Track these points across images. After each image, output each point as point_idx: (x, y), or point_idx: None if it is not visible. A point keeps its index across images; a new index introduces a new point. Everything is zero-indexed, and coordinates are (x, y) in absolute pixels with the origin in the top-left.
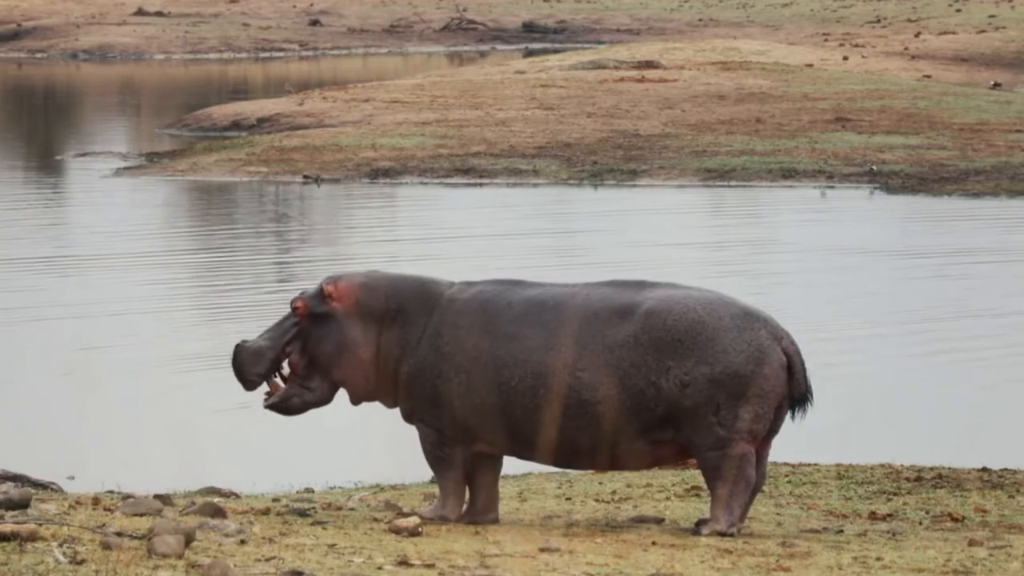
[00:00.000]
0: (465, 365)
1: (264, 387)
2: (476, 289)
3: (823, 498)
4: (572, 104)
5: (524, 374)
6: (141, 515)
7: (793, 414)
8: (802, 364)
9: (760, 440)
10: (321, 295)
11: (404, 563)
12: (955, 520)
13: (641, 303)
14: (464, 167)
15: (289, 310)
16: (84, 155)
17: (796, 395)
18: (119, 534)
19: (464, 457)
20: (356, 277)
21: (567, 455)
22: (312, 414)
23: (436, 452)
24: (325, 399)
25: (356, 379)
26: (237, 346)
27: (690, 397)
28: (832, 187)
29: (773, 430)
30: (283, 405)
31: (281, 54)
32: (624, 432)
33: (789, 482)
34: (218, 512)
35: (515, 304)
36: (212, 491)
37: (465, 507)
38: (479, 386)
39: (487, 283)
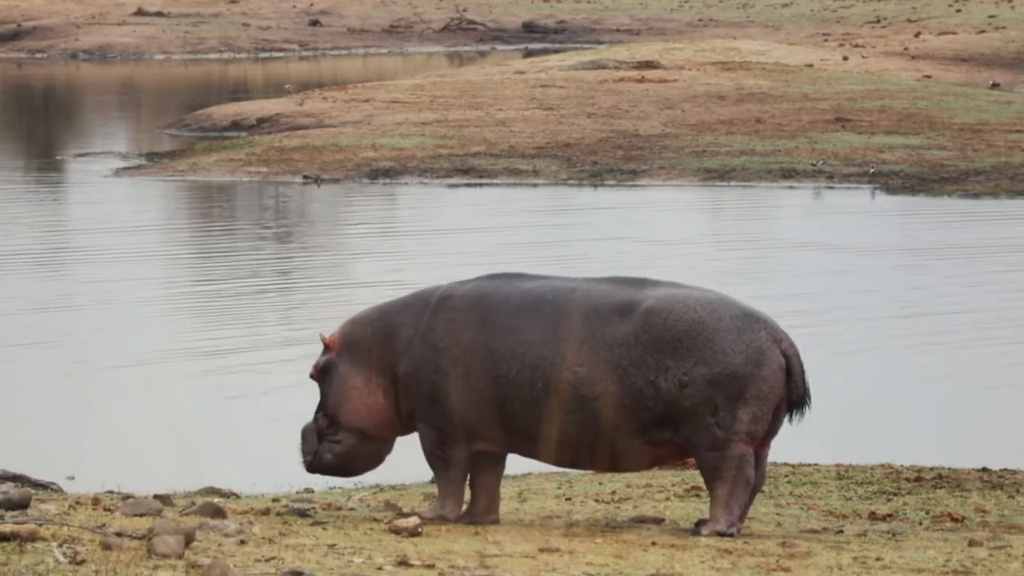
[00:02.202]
0: (462, 358)
1: None
2: (471, 285)
3: (823, 498)
4: (572, 104)
5: (522, 367)
6: (141, 515)
7: (791, 417)
8: (801, 367)
9: (759, 441)
10: (324, 349)
11: (404, 563)
12: (955, 520)
13: (642, 301)
14: (464, 167)
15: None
16: (84, 155)
17: (794, 398)
18: (119, 534)
19: (464, 457)
20: (346, 319)
21: (565, 452)
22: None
23: (436, 451)
24: (359, 449)
25: (358, 411)
26: None
27: (688, 397)
28: (832, 187)
29: (771, 432)
30: (318, 463)
31: (281, 54)
32: (622, 431)
33: (789, 482)
34: (218, 512)
35: (512, 298)
36: (212, 491)
37: (465, 507)
38: (477, 379)
39: (482, 279)
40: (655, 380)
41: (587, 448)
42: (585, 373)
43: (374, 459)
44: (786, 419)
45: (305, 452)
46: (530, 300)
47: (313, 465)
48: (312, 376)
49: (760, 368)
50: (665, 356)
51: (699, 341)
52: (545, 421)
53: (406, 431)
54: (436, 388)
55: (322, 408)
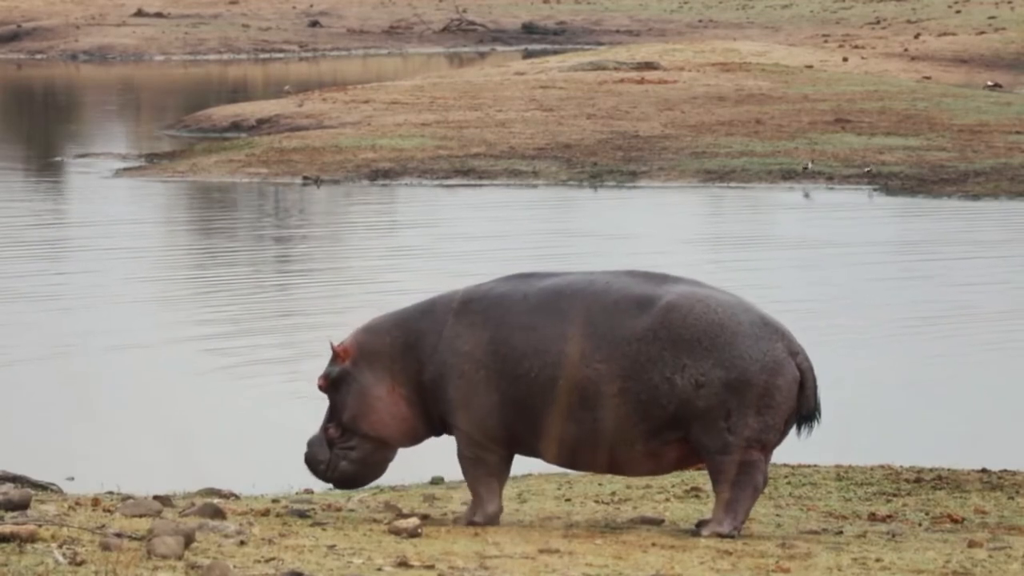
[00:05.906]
0: (485, 361)
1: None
2: (489, 286)
3: (823, 499)
4: (572, 105)
5: (544, 364)
6: (141, 516)
7: (799, 430)
8: (814, 381)
9: (768, 450)
10: (334, 359)
11: (404, 564)
12: (955, 521)
13: (662, 296)
14: (464, 168)
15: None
16: (84, 156)
17: (804, 412)
18: (119, 535)
19: (497, 459)
20: (359, 328)
21: (575, 451)
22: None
23: (469, 454)
24: (373, 456)
25: (383, 420)
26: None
27: (703, 398)
28: (832, 188)
29: (777, 441)
30: (336, 475)
31: (281, 55)
32: (638, 429)
33: (789, 483)
34: (218, 513)
35: (531, 296)
36: (211, 492)
37: (466, 509)
38: (500, 380)
39: (499, 280)
40: (671, 377)
41: (598, 448)
42: (605, 369)
43: (384, 466)
44: (794, 431)
45: (318, 462)
46: (548, 296)
47: (328, 474)
48: (321, 387)
49: (775, 378)
50: (682, 354)
51: (718, 343)
52: (562, 419)
53: (427, 438)
54: (464, 392)
55: (334, 418)
